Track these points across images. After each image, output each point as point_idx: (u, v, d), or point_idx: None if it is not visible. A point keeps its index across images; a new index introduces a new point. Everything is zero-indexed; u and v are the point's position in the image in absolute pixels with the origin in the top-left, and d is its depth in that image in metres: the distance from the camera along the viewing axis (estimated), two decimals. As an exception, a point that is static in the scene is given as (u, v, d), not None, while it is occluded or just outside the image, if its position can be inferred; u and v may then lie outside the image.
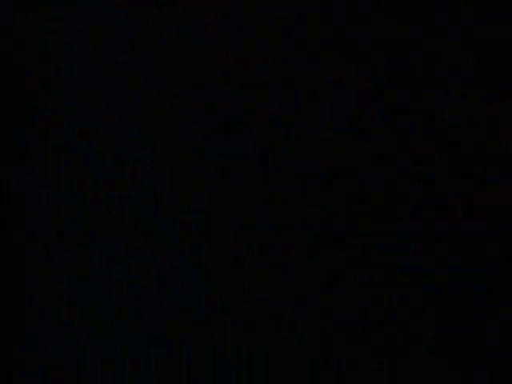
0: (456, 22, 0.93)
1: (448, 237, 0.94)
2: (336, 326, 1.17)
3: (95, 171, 1.09)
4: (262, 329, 1.17)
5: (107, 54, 1.06)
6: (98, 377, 1.03)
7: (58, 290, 1.04)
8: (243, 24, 1.35)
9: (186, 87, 1.17)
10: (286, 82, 1.51)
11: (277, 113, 1.46)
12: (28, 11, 0.87)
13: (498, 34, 0.93)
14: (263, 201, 1.37)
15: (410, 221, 1.06)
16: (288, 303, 1.30)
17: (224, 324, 1.17)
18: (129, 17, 1.06)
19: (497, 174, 0.85)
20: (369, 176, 1.27)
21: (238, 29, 1.34)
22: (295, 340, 1.11)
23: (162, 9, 1.12)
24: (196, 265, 1.16)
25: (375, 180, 1.24)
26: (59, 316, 1.04)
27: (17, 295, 1.04)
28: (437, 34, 0.96)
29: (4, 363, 1.03)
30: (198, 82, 1.20)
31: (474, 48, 0.91)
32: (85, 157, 1.07)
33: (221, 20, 1.29)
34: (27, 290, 1.07)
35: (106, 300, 1.05)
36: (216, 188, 1.25)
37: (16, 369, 1.03)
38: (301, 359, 1.04)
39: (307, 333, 1.14)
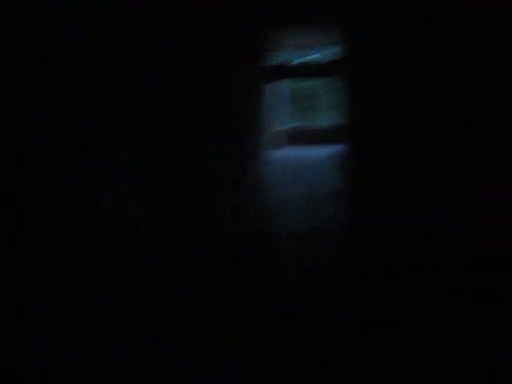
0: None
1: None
2: (336, 326, 1.16)
3: (95, 171, 1.10)
4: (263, 330, 1.17)
5: (107, 54, 1.06)
6: (98, 377, 1.03)
7: (57, 291, 1.04)
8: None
9: (185, 88, 1.17)
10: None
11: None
12: (28, 11, 0.87)
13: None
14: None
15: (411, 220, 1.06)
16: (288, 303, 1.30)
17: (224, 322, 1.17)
18: (129, 17, 1.07)
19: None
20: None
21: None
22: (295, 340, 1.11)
23: (162, 9, 1.12)
24: (196, 266, 1.16)
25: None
26: (59, 316, 1.04)
27: (17, 296, 1.05)
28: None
29: (4, 363, 1.03)
30: (198, 83, 1.20)
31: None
32: (85, 156, 1.07)
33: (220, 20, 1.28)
34: (27, 291, 1.07)
35: (106, 300, 1.05)
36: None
37: (16, 368, 1.04)
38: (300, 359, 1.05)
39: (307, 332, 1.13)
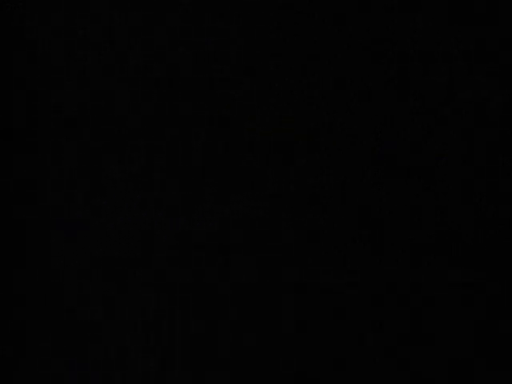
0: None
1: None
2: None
3: (94, 173, 1.09)
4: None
5: (107, 55, 1.06)
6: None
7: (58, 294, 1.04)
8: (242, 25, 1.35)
9: (185, 87, 1.17)
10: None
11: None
12: (28, 11, 0.87)
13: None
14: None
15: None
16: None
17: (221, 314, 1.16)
18: (127, 18, 1.06)
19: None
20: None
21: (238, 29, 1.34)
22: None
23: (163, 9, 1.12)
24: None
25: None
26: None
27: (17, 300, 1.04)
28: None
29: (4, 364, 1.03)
30: (193, 81, 1.19)
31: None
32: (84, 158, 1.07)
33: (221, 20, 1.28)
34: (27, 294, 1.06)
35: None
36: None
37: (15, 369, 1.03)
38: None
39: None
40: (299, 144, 1.66)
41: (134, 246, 1.08)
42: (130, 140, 1.09)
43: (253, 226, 1.17)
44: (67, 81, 1.04)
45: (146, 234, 1.10)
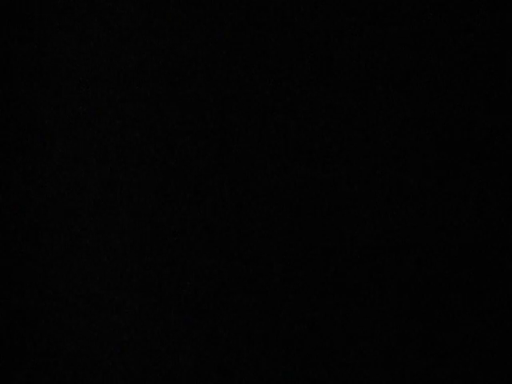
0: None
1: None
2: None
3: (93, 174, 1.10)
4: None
5: (106, 60, 1.06)
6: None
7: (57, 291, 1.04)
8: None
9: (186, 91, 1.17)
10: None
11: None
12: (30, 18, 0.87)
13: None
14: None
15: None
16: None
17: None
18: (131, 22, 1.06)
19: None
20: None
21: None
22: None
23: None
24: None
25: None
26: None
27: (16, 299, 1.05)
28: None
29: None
30: (195, 91, 1.20)
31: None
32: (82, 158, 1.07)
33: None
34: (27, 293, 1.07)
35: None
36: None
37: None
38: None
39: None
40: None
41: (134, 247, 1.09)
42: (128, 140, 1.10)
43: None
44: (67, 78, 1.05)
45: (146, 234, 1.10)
